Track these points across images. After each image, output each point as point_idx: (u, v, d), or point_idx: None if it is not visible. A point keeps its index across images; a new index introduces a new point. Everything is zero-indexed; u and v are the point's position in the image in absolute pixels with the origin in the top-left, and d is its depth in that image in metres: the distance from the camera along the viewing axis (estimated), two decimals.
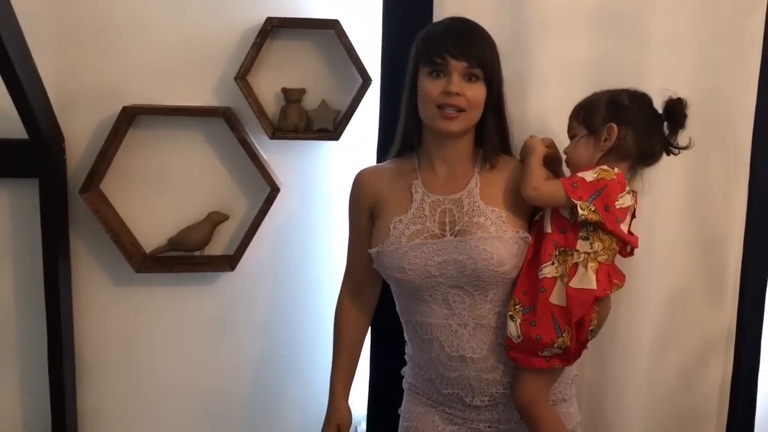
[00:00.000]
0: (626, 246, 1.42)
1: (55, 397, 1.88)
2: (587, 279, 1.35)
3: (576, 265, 1.36)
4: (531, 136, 1.51)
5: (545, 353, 1.38)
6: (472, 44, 1.38)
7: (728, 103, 1.84)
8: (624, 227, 1.38)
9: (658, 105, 1.45)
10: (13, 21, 1.53)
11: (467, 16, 1.46)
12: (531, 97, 1.78)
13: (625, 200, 1.37)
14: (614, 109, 1.42)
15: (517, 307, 1.39)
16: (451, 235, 1.42)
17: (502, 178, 1.46)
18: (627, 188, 1.39)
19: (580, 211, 1.33)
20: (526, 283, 1.41)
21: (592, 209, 1.34)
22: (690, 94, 1.49)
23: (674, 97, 1.43)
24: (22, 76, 1.57)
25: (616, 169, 1.38)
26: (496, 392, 1.45)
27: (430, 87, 1.38)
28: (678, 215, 1.88)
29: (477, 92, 1.39)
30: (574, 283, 1.36)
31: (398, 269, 1.42)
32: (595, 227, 1.37)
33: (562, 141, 1.57)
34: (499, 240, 1.39)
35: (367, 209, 1.53)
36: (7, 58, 1.51)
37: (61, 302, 1.84)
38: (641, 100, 1.45)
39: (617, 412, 1.94)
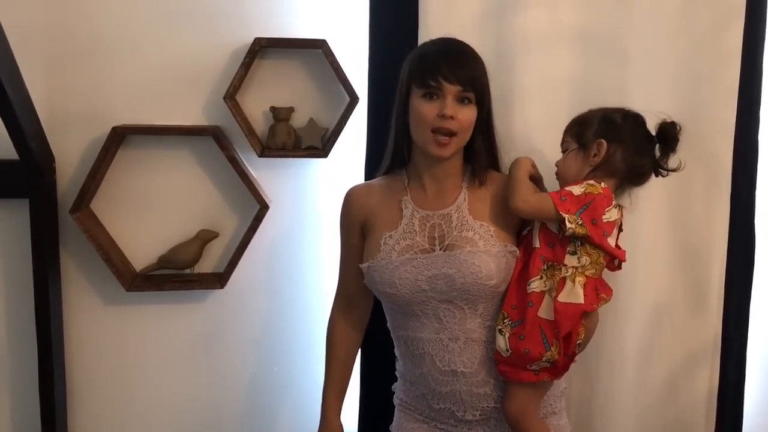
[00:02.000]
0: (614, 260, 1.44)
1: (46, 416, 1.87)
2: (575, 293, 1.37)
3: (564, 279, 1.38)
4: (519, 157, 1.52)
5: (534, 367, 1.39)
6: (465, 67, 1.39)
7: (708, 118, 1.86)
8: (611, 241, 1.40)
9: (652, 126, 1.47)
10: (3, 42, 1.55)
11: (451, 35, 1.48)
12: (515, 113, 1.81)
13: (611, 214, 1.39)
14: (606, 126, 1.45)
15: (506, 321, 1.41)
16: (440, 249, 1.43)
17: (491, 193, 1.48)
18: (613, 202, 1.41)
19: (568, 225, 1.35)
20: (515, 297, 1.42)
21: (580, 222, 1.36)
22: (670, 109, 1.52)
23: (668, 120, 1.45)
24: (13, 97, 1.58)
25: (602, 184, 1.40)
26: (488, 406, 1.46)
27: (425, 109, 1.39)
28: (661, 228, 1.90)
29: (468, 115, 1.40)
30: (562, 297, 1.37)
31: (389, 284, 1.44)
32: (583, 241, 1.38)
33: (546, 156, 1.61)
34: (488, 254, 1.40)
35: (358, 225, 1.55)
36: None
37: (52, 321, 1.84)
38: (634, 120, 1.47)
39: (605, 424, 1.95)
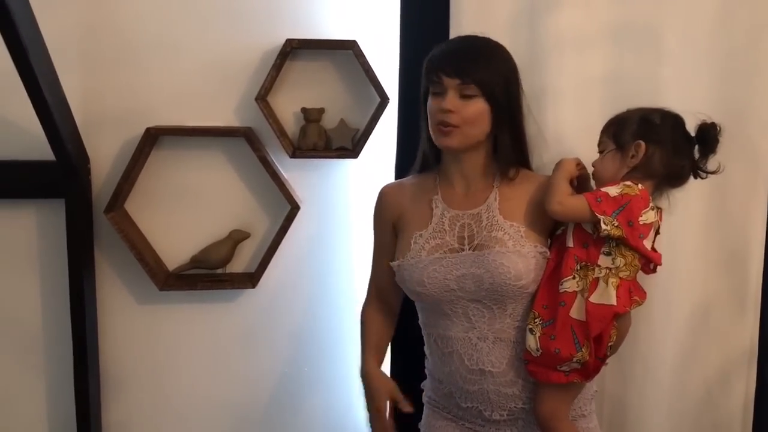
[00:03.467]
0: (649, 263, 1.42)
1: (80, 412, 1.91)
2: (607, 294, 1.35)
3: (597, 280, 1.36)
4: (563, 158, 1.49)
5: (564, 368, 1.38)
6: (466, 62, 1.40)
7: (747, 118, 1.83)
8: (647, 243, 1.38)
9: (691, 127, 1.44)
10: (41, 46, 1.58)
11: (484, 34, 1.48)
12: (548, 113, 1.79)
13: (648, 216, 1.37)
14: (645, 127, 1.41)
15: (536, 320, 1.39)
16: (469, 249, 1.43)
17: (524, 193, 1.46)
18: (651, 204, 1.38)
19: (603, 226, 1.33)
20: (546, 297, 1.41)
21: (615, 224, 1.34)
22: (707, 108, 1.48)
23: (708, 121, 1.41)
24: (50, 100, 1.61)
25: (640, 186, 1.38)
26: (515, 407, 1.45)
27: (432, 105, 1.42)
28: (699, 230, 1.87)
29: (471, 109, 1.39)
30: (594, 298, 1.35)
31: (417, 282, 1.44)
32: (618, 243, 1.36)
33: (580, 156, 1.57)
34: (517, 254, 1.39)
35: (390, 223, 1.56)
36: (35, 83, 1.55)
37: (87, 319, 1.87)
38: (673, 120, 1.43)
39: (639, 429, 1.92)
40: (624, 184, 1.38)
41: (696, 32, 1.79)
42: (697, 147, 1.43)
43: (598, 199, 1.35)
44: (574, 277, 1.38)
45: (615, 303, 1.35)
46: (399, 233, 1.53)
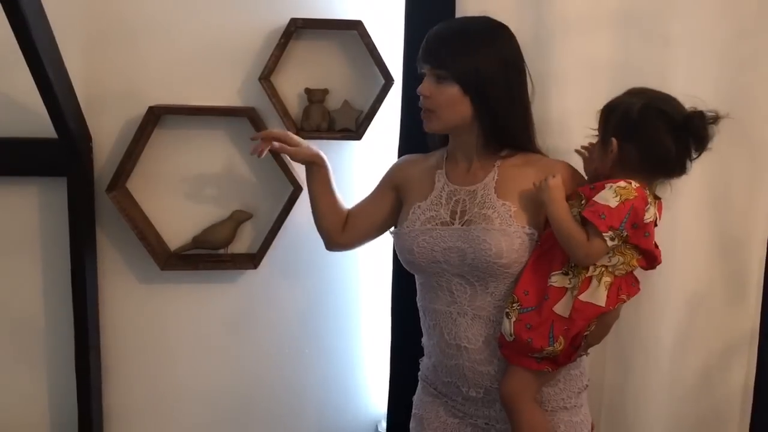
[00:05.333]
0: (652, 261, 1.38)
1: (81, 392, 1.91)
2: (597, 294, 1.32)
3: (590, 278, 1.33)
4: (545, 183, 1.37)
5: (535, 355, 1.36)
6: (438, 46, 1.42)
7: (751, 103, 1.82)
8: (651, 240, 1.35)
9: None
10: (45, 25, 1.57)
11: (487, 14, 1.48)
12: (552, 97, 1.78)
13: (650, 213, 1.33)
14: (622, 123, 1.35)
15: (515, 305, 1.37)
16: (459, 224, 1.45)
17: (524, 175, 1.45)
18: (649, 200, 1.34)
19: (610, 243, 1.29)
20: (528, 283, 1.38)
21: (624, 235, 1.30)
22: (712, 94, 1.48)
23: (695, 110, 1.31)
24: (53, 78, 1.60)
25: (633, 183, 1.32)
26: (491, 386, 1.45)
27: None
28: (700, 216, 1.87)
29: (441, 93, 1.42)
30: (584, 297, 1.32)
31: (408, 251, 1.48)
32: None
33: (582, 141, 1.57)
34: (502, 233, 1.39)
35: (391, 186, 1.62)
36: (39, 61, 1.55)
37: (87, 299, 1.87)
38: (655, 113, 1.32)
39: (638, 415, 1.93)
40: (617, 187, 1.31)
41: (702, 16, 1.78)
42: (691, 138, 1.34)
43: (602, 216, 1.29)
44: (566, 273, 1.35)
45: (603, 305, 1.33)
46: (403, 203, 1.58)
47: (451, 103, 1.42)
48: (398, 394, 1.93)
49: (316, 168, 1.63)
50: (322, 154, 1.63)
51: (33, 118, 1.82)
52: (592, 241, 1.31)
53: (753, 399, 1.96)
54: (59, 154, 1.81)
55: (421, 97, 1.45)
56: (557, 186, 1.36)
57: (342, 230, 1.68)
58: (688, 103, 1.34)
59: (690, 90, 1.46)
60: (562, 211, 1.34)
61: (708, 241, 1.89)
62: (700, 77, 1.78)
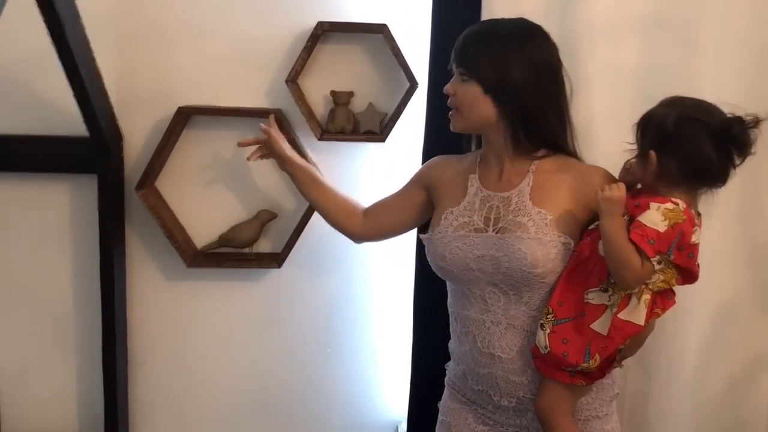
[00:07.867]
0: (691, 279, 1.35)
1: (108, 385, 1.95)
2: (637, 313, 1.29)
3: (629, 296, 1.30)
4: (610, 194, 1.30)
5: (569, 369, 1.34)
6: (463, 45, 1.43)
7: None
8: (695, 261, 1.32)
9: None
10: (78, 25, 1.61)
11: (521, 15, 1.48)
12: (578, 102, 1.75)
13: (697, 235, 1.30)
14: (658, 136, 1.31)
15: (549, 316, 1.34)
16: (493, 231, 1.41)
17: (560, 181, 1.42)
18: (696, 221, 1.30)
19: (657, 266, 1.27)
20: (563, 294, 1.35)
21: (671, 258, 1.28)
22: (741, 100, 1.43)
23: (733, 115, 1.28)
24: (86, 78, 1.65)
25: (681, 204, 1.28)
26: (524, 396, 1.43)
27: None
28: (728, 223, 1.83)
29: (463, 91, 1.42)
30: (623, 315, 1.29)
31: (440, 257, 1.45)
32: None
33: (609, 148, 1.55)
34: (537, 242, 1.36)
35: (422, 186, 1.60)
36: (72, 61, 1.59)
37: (116, 294, 1.91)
38: (692, 124, 1.29)
39: (661, 425, 1.91)
40: (666, 209, 1.27)
41: (730, 23, 1.75)
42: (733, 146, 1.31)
43: (651, 241, 1.25)
44: (606, 290, 1.31)
45: (642, 323, 1.30)
46: (435, 206, 1.55)
47: (472, 102, 1.41)
48: (419, 397, 1.93)
49: (292, 169, 1.67)
50: (294, 154, 1.68)
51: (66, 117, 1.87)
52: (644, 268, 1.27)
53: None
54: (90, 153, 1.85)
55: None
56: (621, 200, 1.29)
57: (361, 223, 1.67)
58: (724, 109, 1.31)
59: (718, 96, 1.43)
60: (618, 230, 1.27)
61: (735, 249, 1.86)
62: (728, 83, 1.75)
